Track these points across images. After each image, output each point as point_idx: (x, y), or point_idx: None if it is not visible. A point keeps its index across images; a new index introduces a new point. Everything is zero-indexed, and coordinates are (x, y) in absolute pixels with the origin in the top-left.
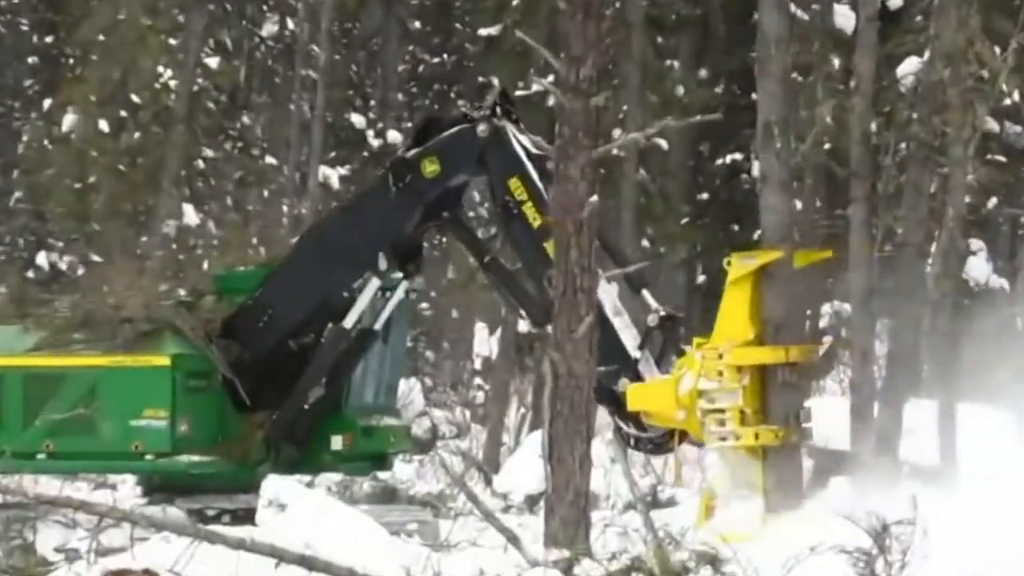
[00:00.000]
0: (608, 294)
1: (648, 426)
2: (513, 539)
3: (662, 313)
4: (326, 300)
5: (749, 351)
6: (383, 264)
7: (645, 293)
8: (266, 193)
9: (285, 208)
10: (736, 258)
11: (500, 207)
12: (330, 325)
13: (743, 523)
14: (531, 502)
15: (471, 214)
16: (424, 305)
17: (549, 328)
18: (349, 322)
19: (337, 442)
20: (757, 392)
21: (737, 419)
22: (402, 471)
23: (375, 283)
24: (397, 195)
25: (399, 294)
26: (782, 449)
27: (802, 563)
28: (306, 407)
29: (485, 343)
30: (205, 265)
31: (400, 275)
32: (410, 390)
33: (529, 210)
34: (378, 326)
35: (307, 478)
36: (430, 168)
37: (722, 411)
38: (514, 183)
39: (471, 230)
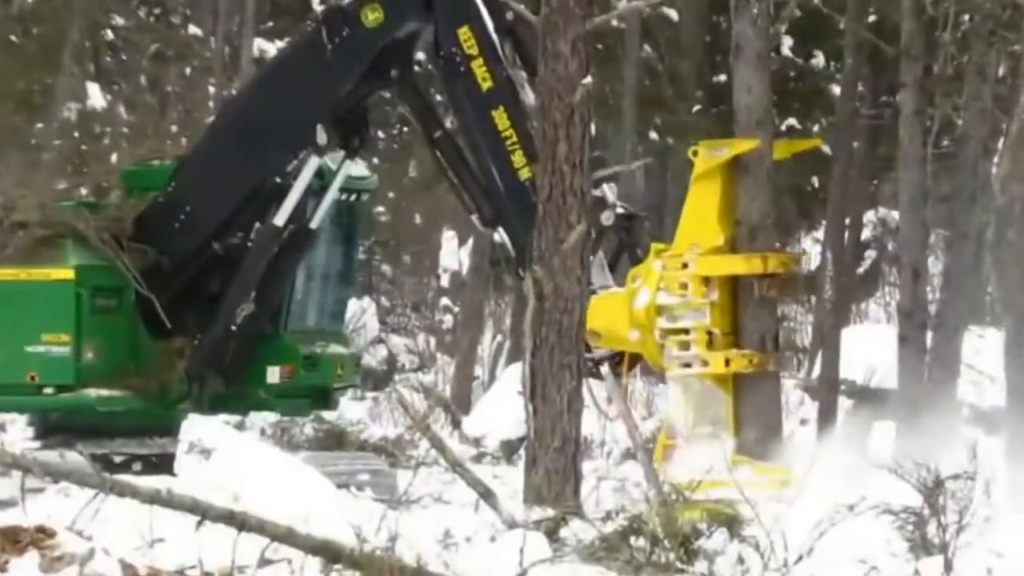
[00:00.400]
0: None
1: (593, 347)
2: (486, 494)
3: (619, 211)
4: (253, 191)
5: (719, 259)
6: (322, 138)
7: (605, 187)
8: (188, 71)
9: (212, 89)
10: (704, 148)
11: (444, 60)
12: (258, 225)
13: (708, 466)
14: (509, 449)
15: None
16: (380, 209)
17: (501, 230)
18: (282, 218)
19: (274, 374)
20: (728, 309)
21: (703, 341)
22: (352, 411)
23: (313, 164)
24: (334, 52)
25: (340, 179)
26: (757, 378)
27: (837, 526)
28: (234, 328)
29: (454, 255)
30: (113, 159)
31: (341, 153)
32: (363, 312)
33: (479, 68)
34: (316, 224)
35: (237, 418)
36: (372, 16)
37: (686, 332)
38: (464, 33)
39: (424, 96)
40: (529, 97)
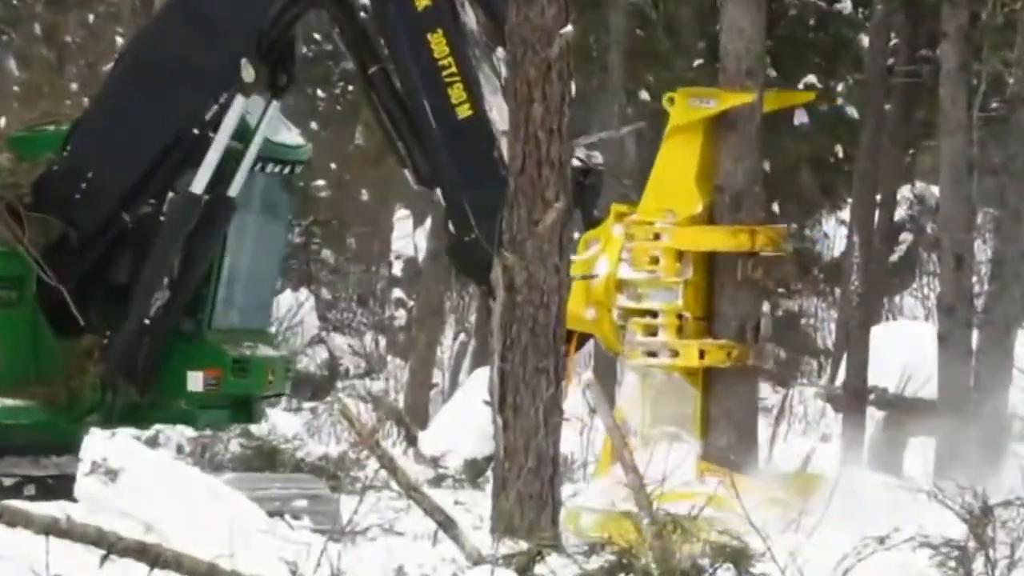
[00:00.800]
0: (501, 112)
1: None
2: (447, 524)
3: (577, 163)
4: (165, 149)
5: (700, 232)
6: (248, 74)
7: (583, 154)
8: (92, 18)
9: (119, 40)
10: (683, 97)
11: None
12: (171, 194)
13: (671, 475)
14: (473, 471)
15: None
16: (320, 183)
17: (439, 192)
18: (200, 182)
19: (196, 380)
20: (701, 291)
21: (673, 327)
22: (286, 424)
23: (238, 109)
24: None
25: (264, 129)
26: (733, 374)
27: (865, 562)
28: (148, 322)
29: (408, 239)
30: (1, 122)
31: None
32: (299, 306)
33: None
34: (235, 191)
35: (148, 433)
36: None
37: (653, 314)
38: None
39: (358, 19)
40: (470, 19)
